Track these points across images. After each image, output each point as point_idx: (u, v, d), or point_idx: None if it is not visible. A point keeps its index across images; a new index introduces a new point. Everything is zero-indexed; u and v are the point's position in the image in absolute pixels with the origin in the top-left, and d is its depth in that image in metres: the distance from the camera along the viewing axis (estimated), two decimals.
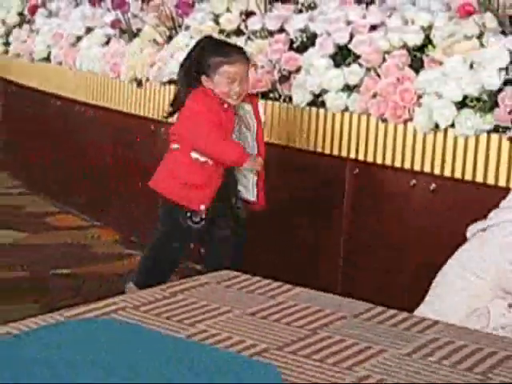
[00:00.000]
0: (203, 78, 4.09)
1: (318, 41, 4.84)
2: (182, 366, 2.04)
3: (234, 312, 2.40)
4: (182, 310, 2.40)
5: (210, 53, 4.12)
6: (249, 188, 4.23)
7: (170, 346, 2.18)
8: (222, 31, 5.40)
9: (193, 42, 5.39)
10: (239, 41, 5.23)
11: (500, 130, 4.16)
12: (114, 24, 6.22)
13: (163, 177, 4.19)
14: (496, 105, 4.15)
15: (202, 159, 4.08)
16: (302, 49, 4.92)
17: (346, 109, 4.68)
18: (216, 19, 5.45)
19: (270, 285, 2.61)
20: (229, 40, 5.29)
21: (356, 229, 4.73)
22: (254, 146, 4.24)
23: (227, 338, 2.22)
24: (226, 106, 4.11)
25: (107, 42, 6.41)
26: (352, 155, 4.69)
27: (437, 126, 4.33)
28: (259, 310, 2.43)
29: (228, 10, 5.44)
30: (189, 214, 4.09)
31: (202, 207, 4.07)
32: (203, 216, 4.09)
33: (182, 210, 4.10)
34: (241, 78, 4.09)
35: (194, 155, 4.08)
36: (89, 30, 6.68)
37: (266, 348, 2.18)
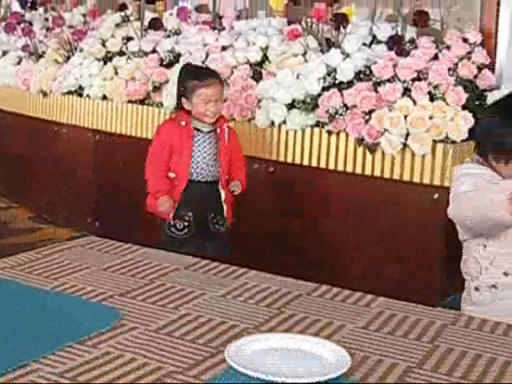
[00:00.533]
0: (183, 100, 3.75)
1: (181, 59, 4.83)
2: (45, 314, 2.02)
3: (91, 268, 2.37)
4: (50, 267, 2.36)
5: (188, 77, 3.78)
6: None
7: (37, 296, 2.14)
8: (108, 52, 5.32)
9: (85, 61, 5.35)
10: (121, 60, 5.18)
11: (320, 125, 4.21)
12: (24, 48, 6.09)
13: (149, 195, 3.84)
14: (317, 106, 4.19)
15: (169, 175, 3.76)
16: (169, 65, 4.89)
17: None
18: (103, 43, 5.37)
19: (123, 246, 2.59)
20: (113, 59, 5.24)
21: None
22: (211, 165, 3.79)
23: (82, 289, 2.20)
24: (183, 123, 3.72)
25: (19, 62, 6.25)
26: None
27: (272, 123, 4.36)
28: (112, 265, 2.40)
29: (113, 35, 5.38)
30: (172, 223, 3.73)
31: (170, 216, 3.73)
32: (185, 224, 3.72)
33: (165, 222, 3.76)
34: (216, 98, 3.71)
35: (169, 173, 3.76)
36: (4, 52, 6.52)
37: (112, 295, 2.16)
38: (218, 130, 3.77)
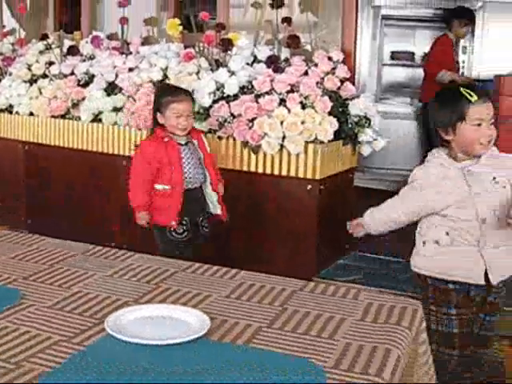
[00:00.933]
0: (158, 114, 3.49)
1: (95, 79, 4.75)
2: None
3: (0, 257, 2.30)
4: None
5: (163, 94, 3.53)
6: (215, 205, 3.58)
7: None
8: (33, 75, 5.20)
9: (14, 83, 5.23)
10: (45, 81, 5.08)
11: (212, 131, 4.21)
12: None
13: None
14: (209, 115, 4.19)
15: (160, 188, 3.43)
16: (85, 85, 4.81)
17: (116, 123, 4.62)
18: (29, 67, 5.24)
19: (30, 237, 2.53)
20: (38, 80, 5.14)
21: None
22: (201, 173, 3.53)
23: None
24: (167, 139, 3.43)
25: None
26: (121, 152, 4.63)
27: None
28: (18, 254, 2.35)
29: (37, 61, 5.26)
30: (172, 229, 3.44)
31: (173, 223, 3.43)
32: (184, 228, 3.47)
33: (166, 228, 3.47)
34: (187, 114, 3.43)
35: (157, 186, 3.44)
36: None
37: (16, 278, 2.12)
38: (196, 142, 3.54)
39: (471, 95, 2.45)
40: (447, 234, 2.55)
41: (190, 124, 3.50)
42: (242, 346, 1.71)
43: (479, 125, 2.46)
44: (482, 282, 2.55)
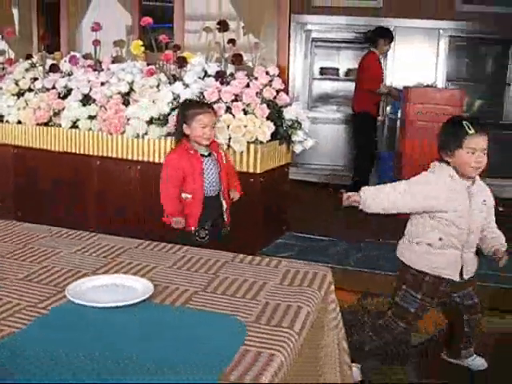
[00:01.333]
0: (184, 126, 3.22)
1: (73, 92, 4.69)
2: None
3: None
4: None
5: (189, 107, 3.28)
6: (224, 211, 3.30)
7: None
8: (21, 89, 5.12)
9: (4, 96, 5.14)
10: (30, 95, 4.99)
11: (171, 135, 4.18)
12: None
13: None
14: (167, 121, 4.17)
15: (183, 196, 3.19)
16: (64, 97, 4.76)
17: (90, 129, 4.57)
18: (17, 83, 5.16)
19: (9, 223, 2.49)
20: (24, 94, 5.06)
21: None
22: (218, 183, 3.26)
23: None
24: (192, 152, 3.19)
25: None
26: (95, 153, 4.58)
27: (138, 136, 4.30)
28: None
29: (23, 77, 5.17)
30: (197, 234, 3.21)
31: (193, 228, 3.20)
32: (207, 232, 3.27)
33: (190, 233, 3.22)
34: (211, 125, 3.19)
35: (183, 195, 3.20)
36: None
37: None
38: (216, 154, 3.29)
39: (470, 128, 2.48)
40: (440, 239, 2.57)
41: (213, 134, 3.29)
42: (180, 307, 1.73)
43: (473, 153, 2.49)
44: (458, 279, 2.61)
